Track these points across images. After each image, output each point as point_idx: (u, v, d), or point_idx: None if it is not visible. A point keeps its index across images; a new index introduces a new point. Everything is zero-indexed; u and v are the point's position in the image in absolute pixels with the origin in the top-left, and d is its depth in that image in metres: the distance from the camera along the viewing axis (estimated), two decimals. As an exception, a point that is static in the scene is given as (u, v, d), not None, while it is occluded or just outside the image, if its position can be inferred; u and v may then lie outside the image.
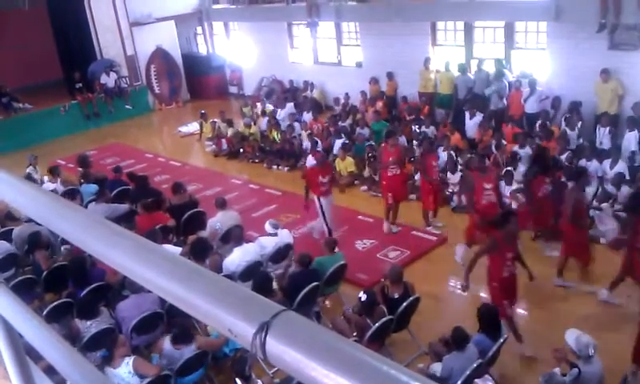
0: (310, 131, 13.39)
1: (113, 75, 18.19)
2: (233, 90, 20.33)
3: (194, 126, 16.41)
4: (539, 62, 12.44)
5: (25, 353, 1.61)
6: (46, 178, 11.17)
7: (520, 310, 6.45)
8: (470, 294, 7.81)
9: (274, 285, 6.79)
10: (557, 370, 5.22)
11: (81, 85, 17.46)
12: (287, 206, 10.79)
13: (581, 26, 10.93)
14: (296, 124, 13.97)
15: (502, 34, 13.08)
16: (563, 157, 9.87)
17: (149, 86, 19.36)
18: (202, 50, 21.13)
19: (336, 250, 7.35)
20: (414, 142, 11.61)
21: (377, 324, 5.88)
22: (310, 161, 12.13)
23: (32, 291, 7.40)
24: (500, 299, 6.40)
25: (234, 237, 7.65)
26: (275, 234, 7.74)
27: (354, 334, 6.13)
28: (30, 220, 8.02)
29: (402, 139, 11.57)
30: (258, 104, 16.47)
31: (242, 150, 13.92)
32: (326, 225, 8.87)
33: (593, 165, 9.60)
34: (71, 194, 9.43)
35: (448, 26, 14.09)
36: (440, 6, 13.16)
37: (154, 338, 6.27)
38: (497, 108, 12.49)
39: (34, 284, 7.45)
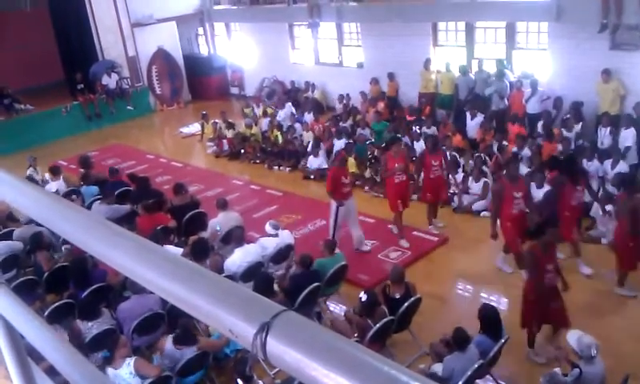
0: (311, 132, 13.42)
1: (114, 76, 18.20)
2: (234, 90, 20.34)
3: (195, 127, 16.42)
4: (540, 62, 12.44)
5: (26, 354, 1.61)
6: (47, 176, 11.17)
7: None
8: (471, 295, 7.84)
9: (275, 285, 6.79)
10: (558, 370, 5.22)
11: (82, 86, 17.47)
12: (288, 206, 10.79)
13: (582, 27, 10.93)
14: (297, 125, 13.99)
15: (503, 34, 13.07)
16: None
17: (150, 86, 19.38)
18: (204, 50, 21.15)
19: (336, 250, 7.34)
20: (414, 143, 11.62)
21: (378, 324, 5.88)
22: (312, 161, 12.18)
23: (33, 292, 7.41)
24: (530, 317, 6.16)
25: (234, 238, 7.66)
26: (276, 235, 7.74)
27: (355, 334, 6.13)
28: (31, 221, 8.04)
29: (405, 139, 11.63)
30: (260, 105, 16.48)
31: (242, 151, 13.93)
32: (334, 229, 8.59)
33: (594, 165, 9.60)
34: (72, 195, 9.44)
35: (449, 27, 14.08)
36: (441, 6, 13.16)
37: (155, 338, 6.27)
38: (498, 108, 12.49)
39: (36, 285, 7.46)
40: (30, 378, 1.62)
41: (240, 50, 19.75)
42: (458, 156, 10.78)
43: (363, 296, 6.22)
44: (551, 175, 9.33)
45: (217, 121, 15.08)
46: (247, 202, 11.13)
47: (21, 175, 2.20)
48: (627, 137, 10.01)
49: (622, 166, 9.31)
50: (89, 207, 9.08)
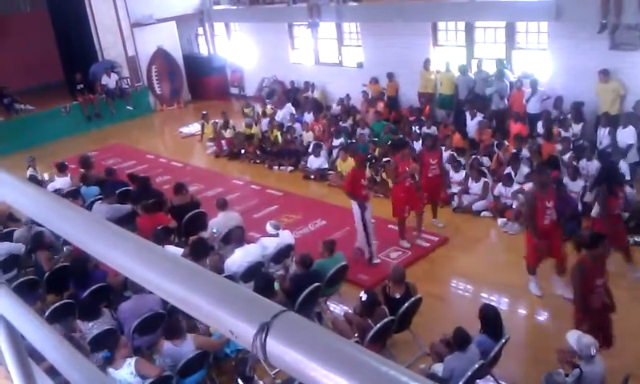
0: (311, 132, 13.44)
1: (114, 76, 18.19)
2: (234, 90, 20.34)
3: (195, 127, 16.42)
4: (540, 62, 12.44)
5: (27, 354, 1.61)
6: (46, 176, 11.18)
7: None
8: (471, 295, 7.84)
9: (276, 285, 6.78)
10: (559, 370, 5.21)
11: (82, 86, 17.47)
12: (288, 206, 10.80)
13: (582, 26, 10.93)
14: (297, 125, 14.00)
15: (502, 34, 13.07)
16: (565, 157, 9.89)
17: (150, 86, 19.38)
18: (203, 50, 21.14)
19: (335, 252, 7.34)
20: (414, 142, 11.62)
21: (378, 325, 5.88)
22: (313, 161, 12.18)
23: (34, 292, 7.42)
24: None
25: (234, 238, 7.66)
26: (277, 235, 7.74)
27: (356, 334, 6.13)
28: (31, 221, 8.05)
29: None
30: (258, 105, 16.48)
31: (243, 151, 13.93)
32: (367, 236, 8.41)
33: (593, 164, 9.60)
34: (73, 196, 9.45)
35: (449, 27, 14.08)
36: (441, 6, 13.16)
37: (156, 338, 6.27)
38: (498, 108, 12.49)
39: (36, 285, 7.46)
40: (31, 378, 1.62)
41: (240, 50, 19.75)
42: (456, 155, 10.77)
43: (363, 296, 6.22)
44: (551, 175, 9.34)
45: (217, 121, 15.09)
46: (247, 202, 11.14)
47: (21, 175, 2.20)
48: (628, 135, 9.98)
49: (622, 166, 9.31)
50: (89, 207, 9.09)
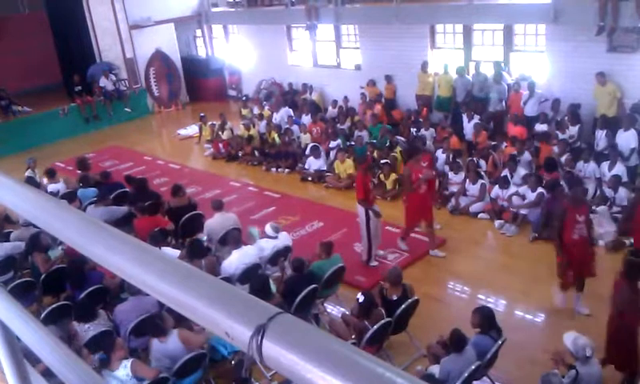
0: (309, 134, 13.45)
1: (112, 78, 18.18)
2: (232, 92, 20.34)
3: (192, 129, 16.42)
4: (538, 64, 12.46)
5: (22, 356, 1.61)
6: (45, 180, 11.15)
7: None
8: (468, 297, 7.85)
9: (273, 287, 6.78)
10: (555, 371, 5.22)
11: (80, 88, 17.45)
12: (286, 208, 10.80)
13: (579, 29, 10.96)
14: (295, 127, 14.00)
15: (500, 36, 13.10)
16: (563, 159, 9.91)
17: (148, 88, 19.37)
18: (202, 52, 21.16)
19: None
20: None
21: (375, 326, 5.88)
22: (313, 163, 12.18)
23: (30, 294, 7.40)
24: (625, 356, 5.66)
25: (231, 239, 7.65)
26: (276, 237, 7.73)
27: (353, 336, 6.13)
28: (27, 223, 8.03)
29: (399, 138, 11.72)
30: (256, 107, 16.46)
31: (240, 153, 13.94)
32: (369, 240, 8.36)
33: (590, 166, 9.62)
34: (70, 198, 9.43)
35: (447, 29, 14.11)
36: (439, 8, 13.17)
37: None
38: (495, 110, 12.51)
39: (33, 287, 7.44)
40: (26, 380, 1.62)
41: (238, 52, 19.75)
42: (456, 158, 10.79)
43: (360, 298, 6.23)
44: (549, 177, 9.37)
45: (214, 122, 15.09)
46: (245, 204, 11.13)
47: (18, 177, 2.20)
48: (629, 138, 9.94)
49: (619, 168, 9.33)
50: (84, 210, 9.06)
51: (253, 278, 6.79)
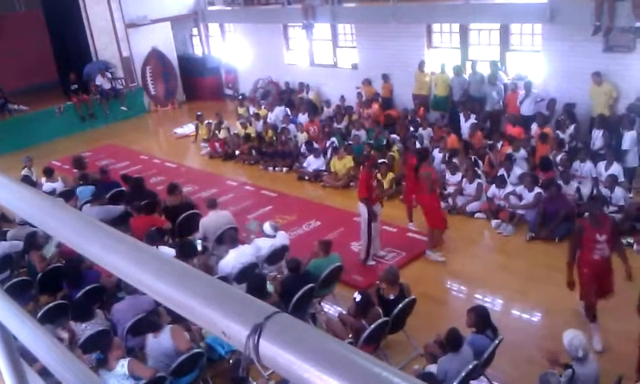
0: (305, 133, 13.45)
1: (108, 76, 18.14)
2: (228, 91, 20.31)
3: (189, 128, 16.40)
4: (534, 64, 12.48)
5: (19, 355, 1.61)
6: (43, 179, 11.13)
7: None
8: (465, 296, 7.86)
9: (270, 287, 6.78)
10: (554, 371, 5.23)
11: (76, 86, 17.42)
12: (283, 207, 10.80)
13: (576, 29, 10.98)
14: (291, 126, 14.00)
15: (497, 36, 13.11)
16: (558, 158, 9.92)
17: (144, 87, 19.34)
18: (198, 51, 21.12)
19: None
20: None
21: (372, 326, 5.89)
22: (312, 162, 12.18)
23: (27, 293, 7.38)
24: None
25: (228, 239, 7.64)
26: (274, 236, 7.73)
27: (350, 335, 6.14)
28: (24, 222, 8.01)
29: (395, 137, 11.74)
30: (252, 106, 16.45)
31: (237, 152, 13.94)
32: (369, 239, 8.33)
33: (587, 166, 9.64)
34: (67, 196, 9.41)
35: (444, 28, 14.12)
36: (435, 8, 13.19)
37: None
38: (493, 109, 12.53)
39: (29, 286, 7.43)
40: (23, 380, 1.61)
41: (234, 51, 19.73)
42: (453, 159, 10.79)
43: (357, 297, 6.23)
44: (545, 177, 9.39)
45: (210, 121, 15.08)
46: (242, 203, 11.13)
47: (14, 176, 2.19)
48: (632, 138, 9.86)
49: (616, 168, 9.35)
50: (80, 209, 9.04)
51: (250, 278, 6.79)
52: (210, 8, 19.30)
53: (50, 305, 6.67)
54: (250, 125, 14.71)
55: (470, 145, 11.68)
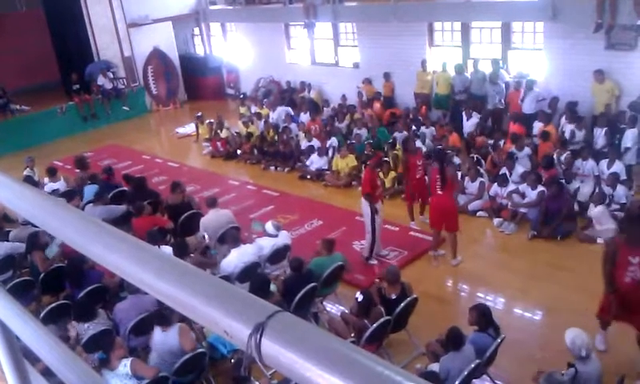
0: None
1: (110, 76, 18.15)
2: (230, 91, 20.32)
3: (191, 127, 16.40)
4: (536, 62, 12.47)
5: (22, 355, 1.61)
6: (46, 179, 11.15)
7: None
8: (467, 295, 7.86)
9: (272, 286, 6.78)
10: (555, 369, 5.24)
11: (78, 86, 17.43)
12: (285, 206, 10.79)
13: (577, 27, 10.95)
14: (293, 125, 14.00)
15: (498, 34, 13.10)
16: (562, 157, 9.91)
17: (146, 87, 19.36)
18: (200, 51, 21.13)
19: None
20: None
21: (374, 325, 5.89)
22: (316, 161, 12.17)
23: (29, 293, 7.40)
24: None
25: (230, 238, 7.64)
26: (276, 236, 7.73)
27: (352, 335, 6.14)
28: (26, 222, 8.02)
29: (401, 135, 11.75)
30: (254, 105, 16.46)
31: (239, 152, 13.94)
32: (373, 236, 8.31)
33: (589, 164, 9.63)
34: (69, 196, 9.42)
35: (445, 27, 14.11)
36: (437, 6, 13.18)
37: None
38: (495, 108, 12.51)
39: (32, 286, 7.44)
40: (26, 380, 1.62)
41: (236, 50, 19.73)
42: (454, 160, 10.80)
43: (359, 296, 6.23)
44: (548, 175, 9.38)
45: (211, 121, 15.08)
46: (244, 203, 11.13)
47: (17, 176, 2.19)
48: (632, 136, 9.88)
49: (618, 166, 9.34)
50: (83, 209, 9.05)
51: (252, 277, 6.79)
52: (212, 7, 19.31)
53: (53, 305, 6.68)
54: (252, 124, 14.71)
55: (472, 143, 11.67)
